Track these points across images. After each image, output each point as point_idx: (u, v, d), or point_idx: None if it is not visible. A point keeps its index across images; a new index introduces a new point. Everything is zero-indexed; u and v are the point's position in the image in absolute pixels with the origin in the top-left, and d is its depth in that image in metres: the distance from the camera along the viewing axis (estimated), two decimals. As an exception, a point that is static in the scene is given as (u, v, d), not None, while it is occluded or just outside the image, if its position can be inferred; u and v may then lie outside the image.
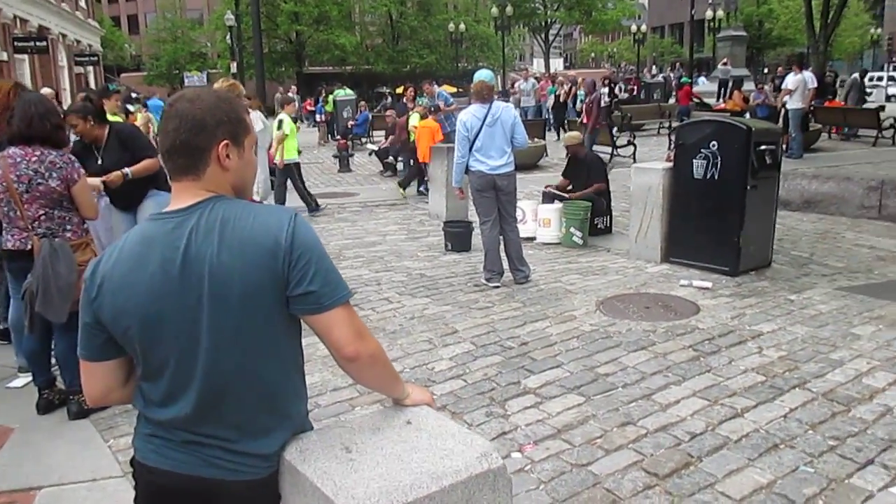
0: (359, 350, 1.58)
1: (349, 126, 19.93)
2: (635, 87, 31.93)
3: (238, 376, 1.52)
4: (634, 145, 14.56)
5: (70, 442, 3.68)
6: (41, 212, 3.73)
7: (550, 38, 50.77)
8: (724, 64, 26.30)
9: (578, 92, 20.71)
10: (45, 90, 10.38)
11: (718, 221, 6.41)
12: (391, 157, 14.25)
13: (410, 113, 12.82)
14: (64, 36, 28.23)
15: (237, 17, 30.80)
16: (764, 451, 3.33)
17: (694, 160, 6.49)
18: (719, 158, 6.34)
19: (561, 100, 20.68)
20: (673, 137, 8.49)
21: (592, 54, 77.82)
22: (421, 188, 11.51)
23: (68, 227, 3.82)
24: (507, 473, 1.62)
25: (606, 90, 22.78)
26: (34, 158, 3.66)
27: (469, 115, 6.04)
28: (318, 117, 24.40)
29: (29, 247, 3.73)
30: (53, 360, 4.07)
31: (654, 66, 58.82)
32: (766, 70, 42.87)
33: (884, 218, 8.52)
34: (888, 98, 33.13)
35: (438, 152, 9.41)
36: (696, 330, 5.02)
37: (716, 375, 4.24)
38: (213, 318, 1.48)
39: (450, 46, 45.23)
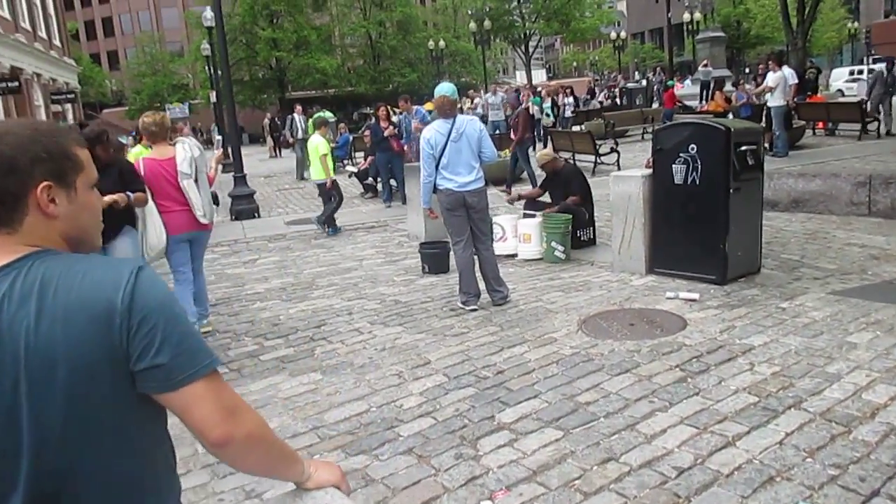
0: (229, 433, 1.26)
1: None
2: (617, 91, 31.98)
3: (75, 479, 1.20)
4: (618, 152, 14.31)
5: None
6: None
7: (531, 49, 50.77)
8: (705, 65, 26.14)
9: (544, 104, 20.61)
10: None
11: (703, 228, 6.12)
12: (371, 179, 13.97)
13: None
14: (38, 75, 27.95)
15: (212, 47, 30.59)
16: (758, 485, 3.01)
17: (673, 165, 6.21)
18: (699, 162, 6.06)
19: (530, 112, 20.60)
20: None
21: (574, 63, 77.96)
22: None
23: None
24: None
25: (571, 99, 22.51)
26: None
27: (432, 132, 5.74)
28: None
29: None
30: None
31: (636, 72, 58.92)
32: (747, 70, 42.93)
33: (874, 214, 8.25)
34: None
35: (413, 172, 9.12)
36: (683, 347, 4.70)
37: (705, 398, 3.92)
38: (35, 407, 1.16)
39: (431, 64, 45.16)
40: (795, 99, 15.12)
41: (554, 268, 7.24)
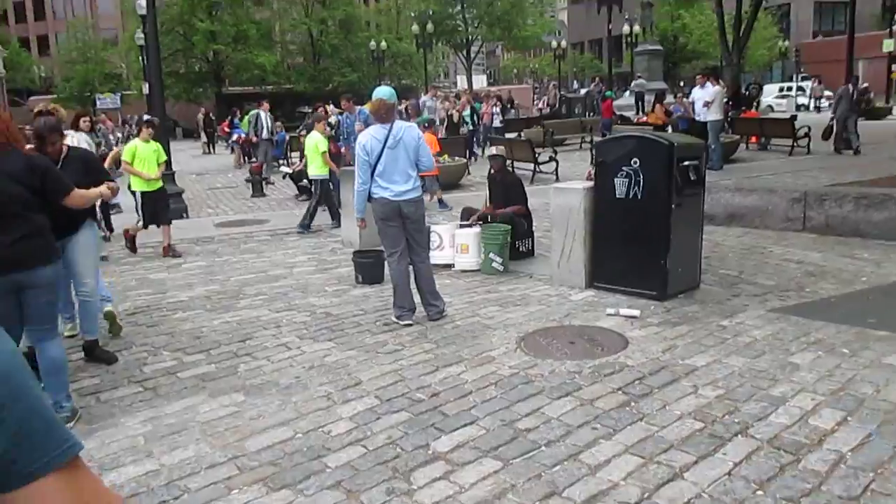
0: None
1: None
2: (558, 98, 32.30)
3: None
4: (557, 161, 14.26)
5: None
6: None
7: (472, 54, 50.88)
8: (639, 77, 26.62)
9: (463, 112, 19.61)
10: None
11: (644, 243, 6.00)
12: (306, 181, 13.52)
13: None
14: (-44, 59, 26.45)
15: (146, 36, 29.46)
16: (708, 525, 2.83)
17: (615, 178, 6.08)
18: (641, 176, 5.94)
19: (454, 119, 19.98)
20: (594, 153, 8.10)
21: (515, 70, 78.57)
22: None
23: None
24: None
25: (499, 108, 22.09)
26: None
27: (368, 137, 5.44)
28: (234, 136, 23.33)
29: None
30: None
31: (575, 81, 59.73)
32: (682, 83, 43.95)
33: (809, 230, 8.34)
34: (798, 108, 34.32)
35: (349, 176, 8.78)
36: (625, 368, 4.53)
37: (649, 424, 3.74)
38: None
39: (372, 64, 44.65)
40: (730, 113, 15.40)
41: (491, 280, 7.03)
